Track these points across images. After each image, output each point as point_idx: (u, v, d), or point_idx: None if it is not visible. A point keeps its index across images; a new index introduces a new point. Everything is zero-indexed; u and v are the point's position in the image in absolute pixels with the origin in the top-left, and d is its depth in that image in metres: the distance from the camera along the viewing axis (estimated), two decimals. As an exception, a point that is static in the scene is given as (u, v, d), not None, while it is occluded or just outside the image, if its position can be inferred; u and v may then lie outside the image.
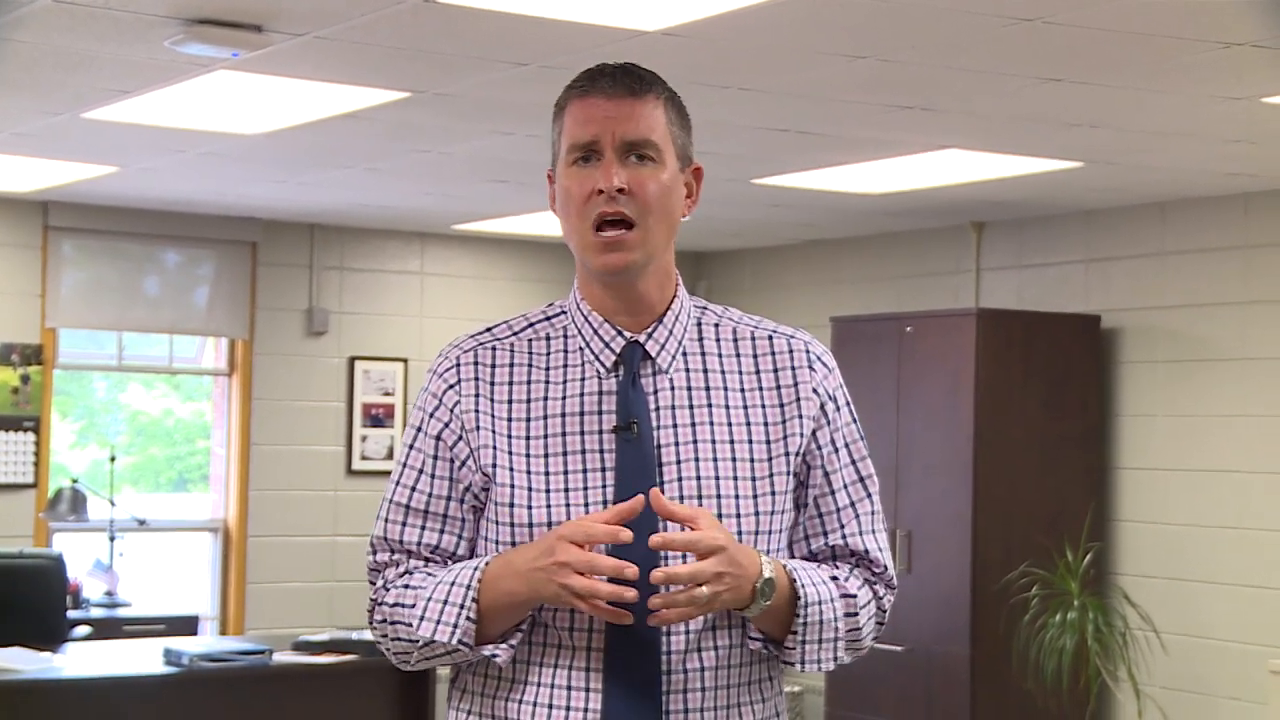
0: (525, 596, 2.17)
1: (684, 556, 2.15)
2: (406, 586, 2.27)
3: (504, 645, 2.22)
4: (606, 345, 2.29)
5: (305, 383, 9.33)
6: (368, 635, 6.15)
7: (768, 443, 2.28)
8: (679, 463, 2.24)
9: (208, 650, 6.09)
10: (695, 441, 2.26)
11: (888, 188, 7.55)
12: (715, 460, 2.25)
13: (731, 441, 2.27)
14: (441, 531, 2.30)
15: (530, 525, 2.22)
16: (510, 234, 9.59)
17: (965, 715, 7.52)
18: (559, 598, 2.13)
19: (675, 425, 2.26)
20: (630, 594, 2.11)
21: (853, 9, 4.53)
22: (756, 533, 2.25)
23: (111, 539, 8.29)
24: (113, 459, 8.47)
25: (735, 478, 2.25)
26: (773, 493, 2.27)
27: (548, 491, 2.23)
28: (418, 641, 2.24)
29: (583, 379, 2.28)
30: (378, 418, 9.49)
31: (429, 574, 2.27)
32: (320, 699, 6.24)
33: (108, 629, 7.57)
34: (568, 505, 2.22)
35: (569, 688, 2.21)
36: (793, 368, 2.33)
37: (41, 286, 8.68)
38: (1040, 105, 5.68)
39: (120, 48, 5.11)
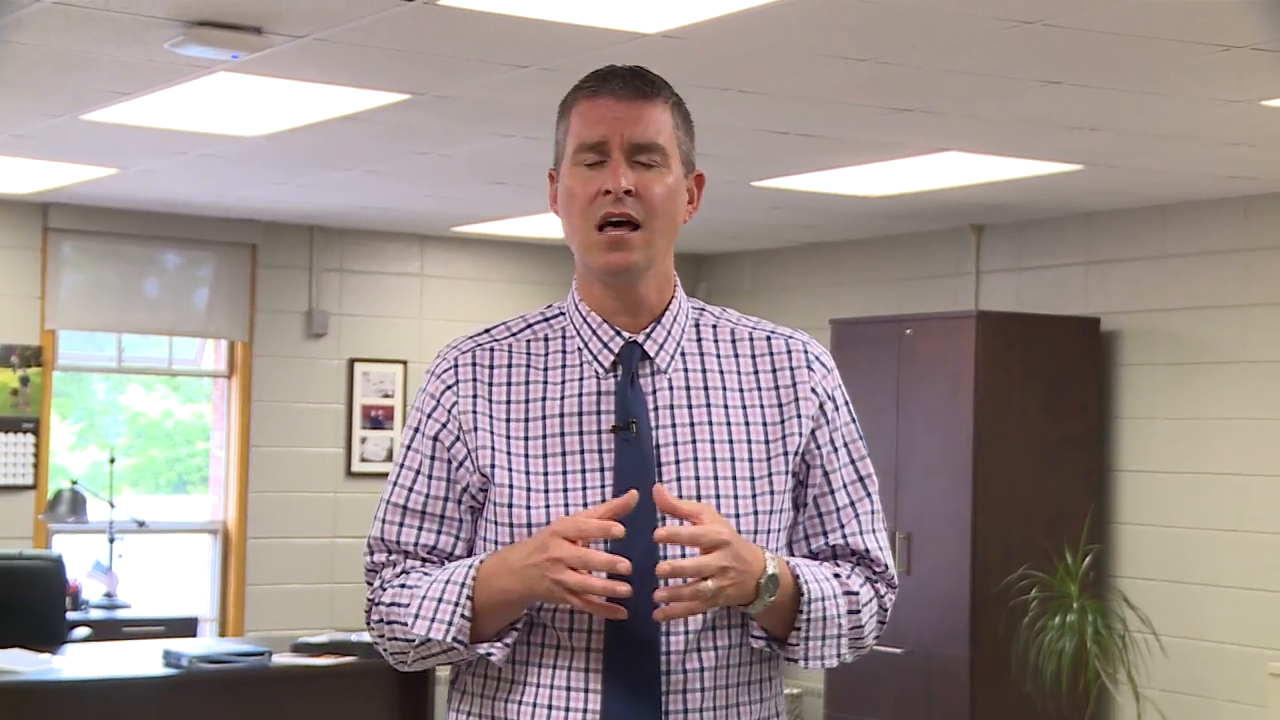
0: (520, 593, 2.17)
1: (686, 552, 2.14)
2: (403, 586, 2.27)
3: (499, 644, 2.22)
4: (605, 345, 2.29)
5: (305, 385, 9.33)
6: (367, 637, 6.10)
7: (766, 442, 2.28)
8: (678, 462, 2.24)
9: (207, 652, 6.08)
10: (694, 441, 2.26)
11: (888, 190, 7.55)
12: (714, 460, 2.25)
13: (730, 441, 2.27)
14: (439, 532, 2.30)
15: (529, 525, 2.22)
16: (510, 236, 9.59)
17: (964, 717, 7.52)
18: (553, 594, 2.13)
19: (674, 425, 2.26)
20: (623, 588, 2.10)
21: (853, 11, 4.52)
22: (755, 532, 2.25)
23: (111, 540, 8.28)
24: (112, 460, 8.47)
25: (734, 477, 2.25)
26: (771, 492, 2.27)
27: (546, 491, 2.23)
28: (414, 641, 2.24)
29: (581, 379, 2.28)
30: (377, 420, 9.48)
31: (425, 574, 2.27)
32: (320, 701, 6.23)
33: (107, 630, 7.56)
34: (566, 505, 2.22)
35: (568, 688, 2.21)
36: (791, 368, 2.33)
37: (41, 288, 8.68)
38: (1040, 108, 5.68)
39: (120, 49, 5.11)
